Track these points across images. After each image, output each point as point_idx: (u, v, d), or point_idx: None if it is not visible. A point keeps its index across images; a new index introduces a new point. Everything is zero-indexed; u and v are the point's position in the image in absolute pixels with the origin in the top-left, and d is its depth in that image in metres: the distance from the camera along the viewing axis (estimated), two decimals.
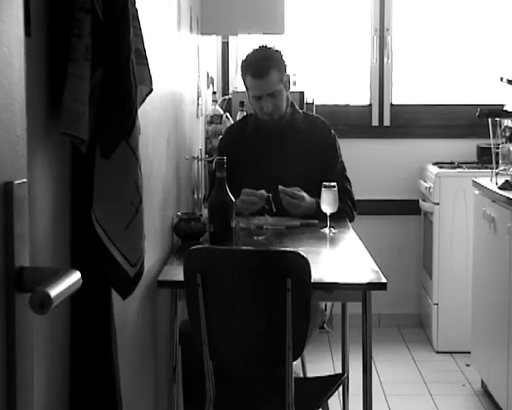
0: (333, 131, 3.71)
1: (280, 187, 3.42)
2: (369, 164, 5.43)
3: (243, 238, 3.15)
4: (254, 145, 3.64)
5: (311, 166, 3.57)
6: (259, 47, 3.62)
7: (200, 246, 2.61)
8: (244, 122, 3.80)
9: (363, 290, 2.63)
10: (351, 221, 3.56)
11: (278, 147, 3.61)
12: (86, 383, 1.67)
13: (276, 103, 3.56)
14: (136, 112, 1.69)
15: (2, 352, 1.05)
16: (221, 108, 4.56)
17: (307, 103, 4.77)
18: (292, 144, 3.61)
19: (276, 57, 3.57)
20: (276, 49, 3.61)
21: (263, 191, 3.39)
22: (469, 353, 4.51)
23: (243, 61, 3.62)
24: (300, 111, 3.76)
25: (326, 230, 3.30)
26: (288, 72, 3.62)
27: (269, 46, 3.61)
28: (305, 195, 3.47)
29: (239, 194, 3.35)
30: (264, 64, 3.52)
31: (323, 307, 3.43)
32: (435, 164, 5.21)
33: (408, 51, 5.52)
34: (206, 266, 2.47)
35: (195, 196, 3.71)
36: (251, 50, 3.63)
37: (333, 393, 2.79)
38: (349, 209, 3.58)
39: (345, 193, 3.52)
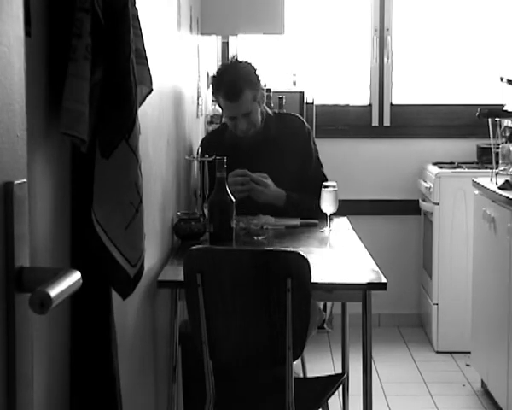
0: (307, 125, 3.67)
1: (245, 171, 3.40)
2: (369, 164, 5.43)
3: (243, 238, 3.15)
4: (232, 158, 3.50)
5: (290, 167, 3.54)
6: (230, 63, 3.54)
7: (200, 246, 2.61)
8: (221, 132, 3.70)
9: (363, 290, 2.63)
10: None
11: (255, 159, 3.54)
12: (86, 383, 1.67)
13: (251, 121, 3.50)
14: (136, 112, 1.69)
15: (2, 352, 1.05)
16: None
17: (307, 103, 4.77)
18: (268, 154, 3.55)
19: (248, 75, 3.46)
20: (248, 62, 3.51)
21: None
22: (469, 353, 4.50)
23: (214, 79, 3.53)
24: (271, 113, 3.68)
25: (326, 230, 3.30)
26: (262, 85, 3.53)
27: (240, 60, 3.53)
28: (270, 183, 3.45)
29: None
30: (235, 85, 3.41)
31: (321, 306, 3.42)
32: (435, 164, 5.21)
33: (408, 51, 5.52)
34: (206, 266, 2.47)
35: (195, 196, 3.70)
36: (221, 66, 3.53)
37: (333, 393, 2.79)
38: (316, 208, 3.37)
39: (317, 191, 3.34)
